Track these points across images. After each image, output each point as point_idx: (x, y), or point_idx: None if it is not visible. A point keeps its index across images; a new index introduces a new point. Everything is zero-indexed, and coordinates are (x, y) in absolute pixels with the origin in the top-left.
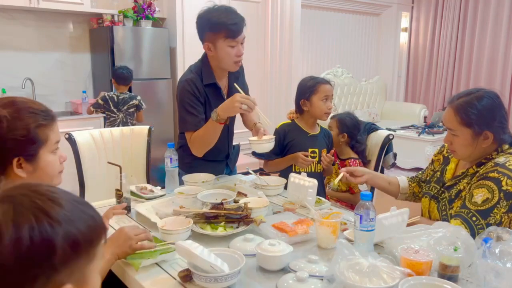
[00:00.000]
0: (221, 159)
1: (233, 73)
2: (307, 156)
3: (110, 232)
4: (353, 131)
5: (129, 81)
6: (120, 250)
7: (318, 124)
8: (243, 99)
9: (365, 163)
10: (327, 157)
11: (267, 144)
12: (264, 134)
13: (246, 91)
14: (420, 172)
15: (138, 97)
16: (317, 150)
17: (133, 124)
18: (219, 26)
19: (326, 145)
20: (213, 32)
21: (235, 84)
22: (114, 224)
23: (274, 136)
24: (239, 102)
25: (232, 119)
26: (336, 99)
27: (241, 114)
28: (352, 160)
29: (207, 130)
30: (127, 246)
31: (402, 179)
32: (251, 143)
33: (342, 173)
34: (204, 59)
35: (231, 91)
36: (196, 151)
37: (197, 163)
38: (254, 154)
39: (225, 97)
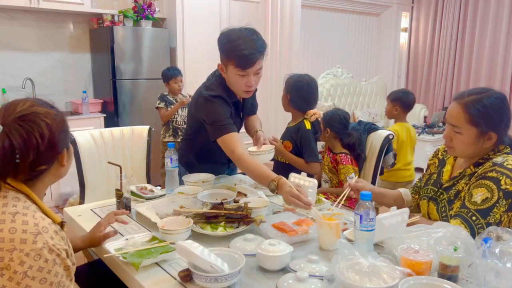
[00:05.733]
0: (224, 161)
1: None
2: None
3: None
4: (335, 124)
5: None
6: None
7: (305, 119)
8: (294, 199)
9: (355, 156)
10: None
11: (266, 155)
12: (264, 143)
13: (254, 101)
14: (418, 180)
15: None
16: (279, 141)
17: None
18: (230, 53)
19: (291, 138)
20: (225, 55)
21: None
22: (115, 225)
23: (273, 146)
24: (293, 199)
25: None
26: (336, 99)
27: (245, 119)
28: (343, 155)
29: (253, 174)
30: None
31: (406, 193)
32: (251, 154)
33: (348, 189)
34: (222, 77)
35: (245, 103)
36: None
37: (199, 165)
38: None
39: (241, 108)
